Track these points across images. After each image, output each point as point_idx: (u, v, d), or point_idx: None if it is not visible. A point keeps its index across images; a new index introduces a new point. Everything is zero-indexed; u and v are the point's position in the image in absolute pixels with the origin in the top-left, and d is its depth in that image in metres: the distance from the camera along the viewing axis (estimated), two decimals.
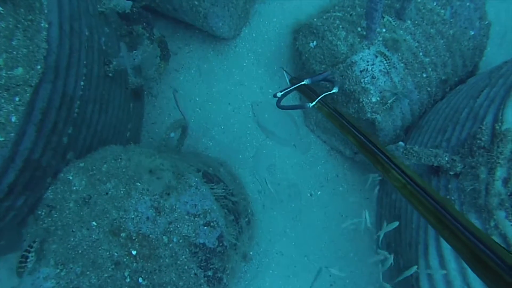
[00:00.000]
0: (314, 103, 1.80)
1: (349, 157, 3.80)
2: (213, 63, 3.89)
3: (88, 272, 2.39)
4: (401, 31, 2.97)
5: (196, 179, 2.43)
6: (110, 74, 2.85)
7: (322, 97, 1.80)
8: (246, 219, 3.35)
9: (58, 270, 2.38)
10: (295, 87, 2.02)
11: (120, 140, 3.34)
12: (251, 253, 3.70)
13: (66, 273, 2.38)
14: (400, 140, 3.34)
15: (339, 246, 3.78)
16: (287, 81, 2.19)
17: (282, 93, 1.96)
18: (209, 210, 2.39)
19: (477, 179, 2.22)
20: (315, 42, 3.14)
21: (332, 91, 1.90)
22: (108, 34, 2.83)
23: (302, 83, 2.00)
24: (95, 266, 2.40)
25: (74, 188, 2.45)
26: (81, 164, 2.46)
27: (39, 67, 1.91)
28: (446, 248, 2.50)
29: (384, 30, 2.96)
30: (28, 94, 1.88)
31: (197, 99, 3.88)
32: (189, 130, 3.73)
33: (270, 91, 3.93)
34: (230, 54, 3.90)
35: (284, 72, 2.33)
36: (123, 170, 2.41)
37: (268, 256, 3.73)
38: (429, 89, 3.16)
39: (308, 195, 3.84)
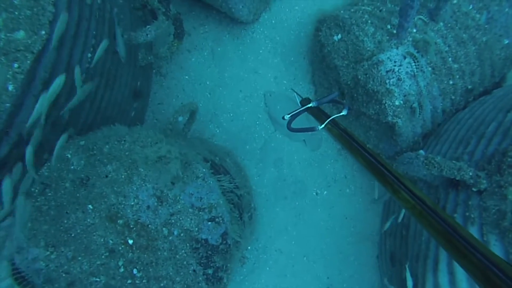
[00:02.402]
0: (323, 125, 1.77)
1: None
2: (228, 47, 3.69)
3: (80, 258, 2.25)
4: (433, 33, 2.79)
5: (204, 170, 2.28)
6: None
7: (331, 119, 1.76)
8: (249, 214, 3.21)
9: (49, 253, 2.24)
10: (303, 109, 1.95)
11: (124, 119, 3.17)
12: (249, 247, 3.58)
13: (56, 256, 2.24)
14: (419, 148, 3.19)
15: (340, 249, 3.66)
16: (298, 102, 2.10)
17: (290, 115, 1.90)
18: (215, 205, 2.24)
19: (504, 199, 2.07)
20: (339, 36, 2.95)
21: (342, 114, 1.83)
22: (122, 5, 2.63)
23: (309, 105, 1.94)
24: (88, 252, 2.26)
25: (72, 167, 2.29)
26: (82, 142, 2.29)
27: (43, 32, 1.72)
28: (458, 266, 2.37)
29: (414, 30, 2.77)
30: (28, 62, 1.70)
31: (208, 83, 3.70)
32: (197, 115, 3.56)
33: (284, 82, 3.75)
34: (246, 39, 3.70)
35: (295, 93, 2.23)
36: (126, 153, 2.25)
37: (267, 253, 3.61)
38: (453, 97, 2.99)
39: (314, 193, 3.70)
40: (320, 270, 3.64)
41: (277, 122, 3.68)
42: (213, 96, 3.69)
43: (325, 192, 3.72)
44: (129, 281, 2.25)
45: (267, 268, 3.59)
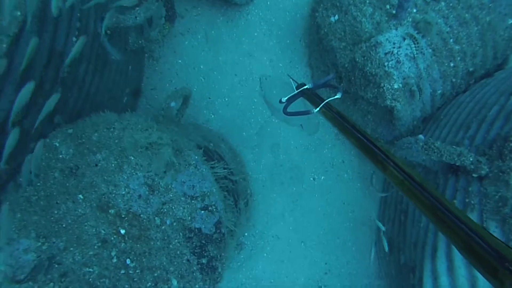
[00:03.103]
0: (318, 108, 1.81)
1: None
2: (221, 29, 3.57)
3: (72, 248, 2.21)
4: (434, 13, 2.68)
5: (196, 157, 2.21)
6: (108, 32, 2.56)
7: (326, 102, 1.81)
8: (245, 201, 3.17)
9: (40, 244, 2.20)
10: (298, 93, 2.00)
11: (116, 105, 3.08)
12: (246, 234, 3.56)
13: (48, 247, 2.20)
14: (418, 132, 3.12)
15: (337, 235, 3.63)
16: (294, 87, 2.09)
17: (287, 98, 1.96)
18: (208, 193, 2.18)
19: (506, 185, 2.02)
20: (336, 16, 2.84)
21: (336, 97, 1.86)
22: None
23: (305, 87, 1.98)
24: (80, 242, 2.22)
25: (61, 156, 2.23)
26: (70, 131, 2.22)
27: (18, 13, 1.62)
28: (457, 253, 2.34)
29: (415, 10, 2.66)
30: (4, 45, 1.60)
31: (202, 67, 3.59)
32: (191, 100, 3.48)
33: (280, 65, 3.65)
34: (241, 21, 3.58)
35: (291, 78, 2.19)
36: (116, 141, 2.18)
37: (264, 239, 3.58)
38: (454, 80, 2.91)
39: (311, 179, 3.65)
40: (318, 256, 3.62)
41: (273, 107, 3.59)
42: (208, 81, 3.59)
43: (322, 178, 3.66)
44: (122, 272, 2.21)
45: (264, 254, 3.57)
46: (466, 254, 1.05)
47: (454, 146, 2.34)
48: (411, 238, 2.89)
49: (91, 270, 2.21)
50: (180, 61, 3.57)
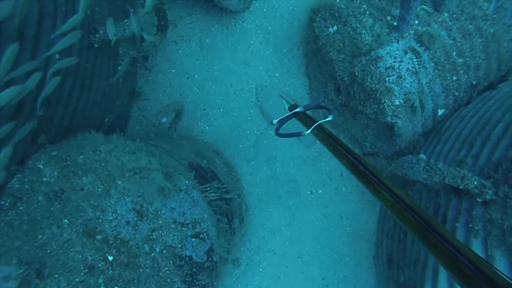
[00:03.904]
0: (310, 130, 1.83)
1: None
2: (216, 37, 3.45)
3: (57, 275, 2.10)
4: (436, 25, 2.57)
5: (187, 181, 2.10)
6: (96, 45, 2.44)
7: (317, 124, 1.84)
8: (240, 218, 3.06)
9: (22, 270, 2.09)
10: (290, 115, 2.02)
11: (110, 114, 2.96)
12: (241, 249, 3.46)
13: (30, 274, 2.09)
14: (419, 146, 3.02)
15: (335, 249, 3.54)
16: (286, 107, 2.10)
17: (278, 120, 1.97)
18: (199, 220, 2.07)
19: None
20: (335, 27, 2.73)
21: (327, 119, 1.88)
22: None
23: (296, 110, 1.99)
24: (66, 268, 2.11)
25: (45, 179, 2.11)
26: (54, 153, 2.10)
27: None
28: None
29: (417, 21, 2.55)
30: None
31: (196, 76, 3.48)
32: (185, 111, 3.36)
33: (277, 74, 3.53)
34: (236, 29, 3.46)
35: (283, 99, 2.22)
36: (102, 164, 2.07)
37: (259, 254, 3.48)
38: (456, 93, 2.80)
39: (308, 192, 3.55)
40: (315, 271, 3.53)
41: (269, 118, 3.48)
42: (202, 91, 3.48)
43: (320, 191, 3.56)
44: None
45: (260, 269, 3.48)
46: (454, 276, 1.08)
47: (458, 169, 2.24)
48: (411, 257, 2.79)
49: None
50: (173, 70, 3.45)
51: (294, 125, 2.15)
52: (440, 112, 2.70)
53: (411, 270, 2.78)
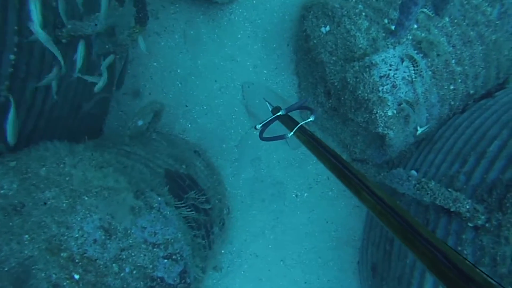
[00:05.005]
0: (292, 133, 1.84)
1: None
2: (202, 29, 3.21)
3: None
4: (436, 31, 2.39)
5: (160, 198, 1.94)
6: (64, 40, 2.21)
7: (299, 126, 1.84)
8: (221, 224, 2.93)
9: None
10: (273, 118, 2.00)
11: (79, 116, 2.75)
12: (222, 251, 3.34)
13: None
14: (409, 156, 2.89)
15: (319, 254, 3.45)
16: (269, 110, 2.11)
17: (261, 124, 1.96)
18: (172, 240, 1.92)
19: (506, 242, 1.81)
20: (328, 27, 2.53)
21: (309, 120, 1.92)
22: None
23: (278, 113, 1.99)
24: (26, 287, 1.96)
25: (2, 191, 1.92)
26: (12, 164, 1.91)
27: None
28: None
29: (416, 26, 2.37)
30: None
31: (179, 71, 3.26)
32: (166, 107, 3.16)
33: (265, 71, 3.33)
34: (223, 21, 3.22)
35: (267, 102, 2.16)
36: (67, 178, 1.88)
37: (241, 257, 3.38)
38: (452, 102, 2.66)
39: (294, 196, 3.43)
40: (298, 275, 3.44)
41: (255, 117, 3.31)
42: (185, 86, 3.27)
43: (305, 194, 3.44)
44: None
45: (242, 272, 3.38)
46: (434, 274, 1.11)
47: (450, 190, 2.11)
48: (396, 271, 2.71)
49: None
50: (155, 63, 3.22)
51: (281, 127, 2.05)
52: (419, 130, 2.57)
53: (395, 284, 2.70)
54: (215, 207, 2.76)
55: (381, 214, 1.30)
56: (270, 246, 3.42)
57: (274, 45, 3.29)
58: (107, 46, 2.66)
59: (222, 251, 3.34)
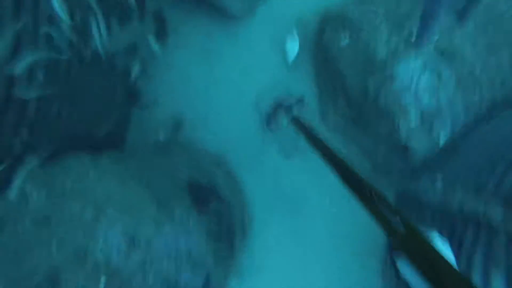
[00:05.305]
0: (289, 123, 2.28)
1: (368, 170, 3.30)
2: (220, 44, 3.26)
3: None
4: (460, 38, 2.35)
5: (182, 210, 1.96)
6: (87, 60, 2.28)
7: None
8: (242, 234, 2.93)
9: None
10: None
11: (103, 130, 2.82)
12: (243, 261, 3.33)
13: None
14: (434, 165, 2.82)
15: (342, 264, 3.38)
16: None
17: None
18: (195, 251, 1.94)
19: None
20: (347, 40, 2.52)
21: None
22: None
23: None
24: None
25: (32, 203, 1.99)
26: (40, 177, 1.98)
27: None
28: None
29: (436, 35, 2.33)
30: None
31: (198, 83, 3.31)
32: (186, 120, 3.21)
33: (284, 84, 3.34)
34: (240, 35, 3.26)
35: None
36: (91, 190, 1.94)
37: (262, 266, 3.35)
38: (477, 111, 2.59)
39: (315, 204, 3.38)
40: (320, 285, 3.39)
41: (271, 129, 3.32)
42: (204, 99, 3.31)
43: (328, 203, 3.40)
44: None
45: (262, 282, 3.35)
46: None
47: (478, 198, 2.05)
48: None
49: None
50: (174, 76, 3.29)
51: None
52: (443, 139, 2.51)
53: None
54: (237, 217, 2.77)
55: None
56: (289, 259, 3.38)
57: (293, 58, 3.30)
58: (130, 63, 2.75)
59: (243, 261, 3.32)
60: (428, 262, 1.08)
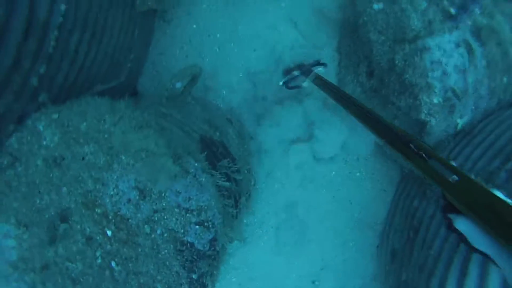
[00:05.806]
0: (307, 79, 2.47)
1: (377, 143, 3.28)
2: None
3: (55, 241, 2.04)
4: (501, 17, 2.22)
5: (196, 164, 1.94)
6: None
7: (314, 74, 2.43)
8: (247, 195, 2.95)
9: (20, 232, 2.03)
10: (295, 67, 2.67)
11: (117, 73, 2.75)
12: (245, 221, 3.39)
13: (29, 237, 2.03)
14: (447, 146, 2.79)
15: (339, 233, 3.46)
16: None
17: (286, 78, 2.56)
18: (205, 207, 1.95)
19: None
20: (381, 5, 2.39)
21: (320, 69, 2.70)
22: None
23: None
24: (63, 236, 2.05)
25: (44, 142, 1.97)
26: (55, 116, 1.94)
27: None
28: None
29: (478, 10, 2.21)
30: None
31: (218, 35, 3.18)
32: (202, 72, 3.12)
33: (306, 44, 3.22)
34: None
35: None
36: (106, 136, 1.91)
37: (262, 229, 3.42)
38: (502, 97, 2.51)
39: (320, 174, 3.40)
40: (316, 251, 3.48)
41: (289, 88, 3.23)
42: (223, 52, 3.20)
43: (333, 173, 3.41)
44: (107, 273, 2.06)
45: (261, 244, 3.44)
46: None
47: (490, 185, 2.04)
48: (418, 260, 2.69)
49: (74, 265, 2.06)
50: (194, 26, 3.15)
51: None
52: (461, 121, 2.45)
53: (415, 273, 2.69)
54: (244, 177, 2.77)
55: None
56: (290, 221, 3.45)
57: (320, 18, 3.15)
58: (149, 3, 2.62)
59: (245, 221, 3.38)
60: (489, 208, 1.04)
